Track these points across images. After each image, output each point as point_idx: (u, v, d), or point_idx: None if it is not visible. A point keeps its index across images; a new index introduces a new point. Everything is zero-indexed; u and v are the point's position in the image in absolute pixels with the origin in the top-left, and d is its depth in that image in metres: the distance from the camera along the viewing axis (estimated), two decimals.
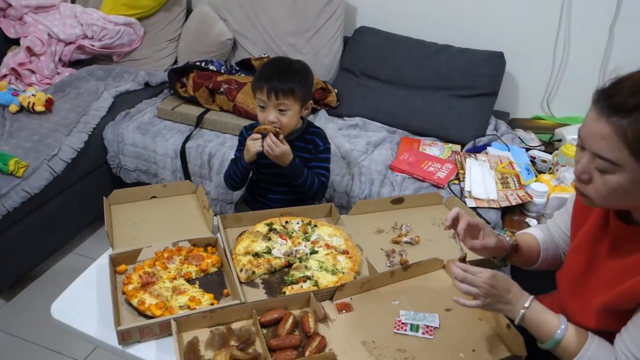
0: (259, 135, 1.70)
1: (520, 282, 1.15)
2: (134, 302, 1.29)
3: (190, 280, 1.40)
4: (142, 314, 1.28)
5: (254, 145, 1.71)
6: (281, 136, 1.68)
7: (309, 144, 1.82)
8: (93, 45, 2.92)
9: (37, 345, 2.08)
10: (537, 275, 1.68)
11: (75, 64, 2.98)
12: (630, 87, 0.90)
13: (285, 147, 1.68)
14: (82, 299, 1.35)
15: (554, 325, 1.08)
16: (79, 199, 2.46)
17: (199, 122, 2.48)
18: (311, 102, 1.77)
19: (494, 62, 2.57)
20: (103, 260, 1.46)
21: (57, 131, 2.39)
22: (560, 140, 2.41)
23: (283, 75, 1.66)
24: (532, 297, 1.12)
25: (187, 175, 2.41)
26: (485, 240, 1.21)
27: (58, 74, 2.87)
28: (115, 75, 2.88)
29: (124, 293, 1.33)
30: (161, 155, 2.44)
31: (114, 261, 1.42)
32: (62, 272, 2.43)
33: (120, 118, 2.58)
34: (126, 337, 1.20)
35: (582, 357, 1.04)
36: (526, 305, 1.10)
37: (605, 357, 1.03)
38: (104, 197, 1.68)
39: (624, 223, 1.05)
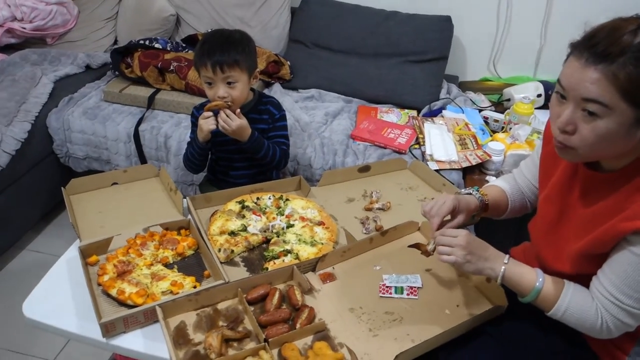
0: (210, 113, 1.65)
1: (484, 239, 1.17)
2: (113, 292, 1.24)
3: (168, 265, 1.37)
4: (122, 303, 1.23)
5: (206, 123, 1.66)
6: (238, 110, 1.63)
7: (264, 114, 1.78)
8: (24, 28, 2.73)
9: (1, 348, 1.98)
10: (499, 232, 1.76)
11: (5, 48, 2.78)
12: (607, 35, 0.94)
13: (242, 121, 1.63)
14: (55, 295, 1.29)
15: (532, 277, 1.13)
16: (28, 192, 2.33)
17: (150, 103, 2.39)
18: (258, 70, 1.72)
19: (442, 27, 2.60)
20: (72, 253, 1.39)
21: None
22: (509, 100, 2.49)
23: (225, 48, 1.60)
24: (507, 255, 1.15)
25: (143, 160, 2.33)
26: (458, 219, 1.25)
27: None
28: (51, 59, 2.72)
29: (99, 284, 1.28)
30: (113, 140, 2.33)
31: (84, 253, 1.36)
32: (19, 271, 2.30)
33: (63, 104, 2.44)
34: (110, 329, 1.16)
35: (562, 303, 1.09)
36: (505, 261, 1.13)
37: (582, 299, 1.08)
38: (62, 188, 1.60)
39: (593, 171, 1.10)
